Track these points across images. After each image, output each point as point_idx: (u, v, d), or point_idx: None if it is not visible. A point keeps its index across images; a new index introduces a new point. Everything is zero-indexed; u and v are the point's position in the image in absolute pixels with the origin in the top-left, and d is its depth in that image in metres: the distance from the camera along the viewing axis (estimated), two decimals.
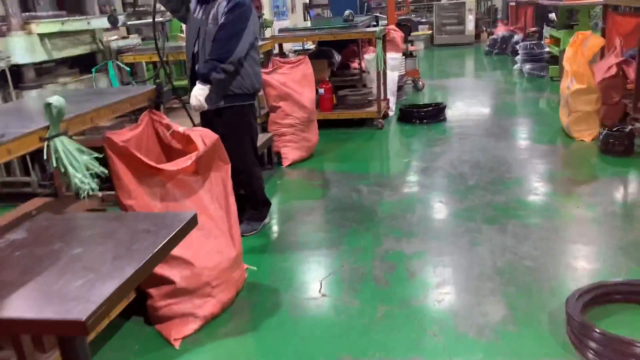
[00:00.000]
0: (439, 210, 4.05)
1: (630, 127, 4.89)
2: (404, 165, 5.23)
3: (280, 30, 6.95)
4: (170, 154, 3.05)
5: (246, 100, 3.65)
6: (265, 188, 3.94)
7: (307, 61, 5.43)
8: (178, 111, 4.88)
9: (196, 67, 3.49)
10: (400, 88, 7.66)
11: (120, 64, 4.88)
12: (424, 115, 6.59)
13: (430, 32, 14.48)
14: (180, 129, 2.96)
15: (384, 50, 6.54)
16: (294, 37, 6.47)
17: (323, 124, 6.34)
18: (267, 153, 5.23)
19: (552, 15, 10.89)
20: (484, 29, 15.68)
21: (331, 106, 6.59)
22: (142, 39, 5.57)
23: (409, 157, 5.44)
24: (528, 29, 11.66)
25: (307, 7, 13.38)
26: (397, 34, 7.78)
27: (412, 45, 8.96)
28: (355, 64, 7.61)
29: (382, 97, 6.54)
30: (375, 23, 8.52)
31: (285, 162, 5.32)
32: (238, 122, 3.65)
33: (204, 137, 2.86)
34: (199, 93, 3.35)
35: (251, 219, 3.82)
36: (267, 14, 11.26)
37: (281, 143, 5.36)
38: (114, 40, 5.56)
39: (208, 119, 3.63)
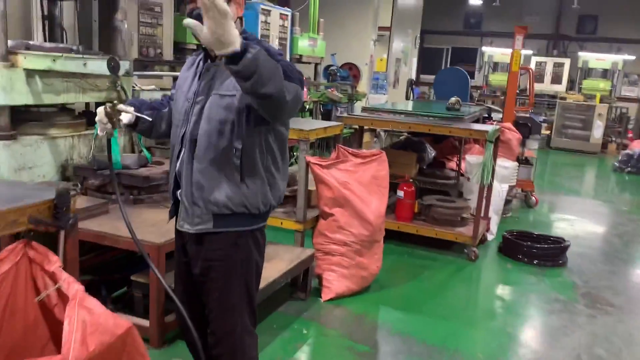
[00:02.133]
0: None
1: None
2: (500, 344, 3.42)
3: (364, 110, 5.53)
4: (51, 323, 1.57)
5: (250, 224, 2.14)
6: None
7: (384, 159, 3.90)
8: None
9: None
10: (507, 202, 5.90)
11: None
12: (536, 254, 4.75)
13: (548, 132, 12.55)
14: (74, 288, 1.48)
15: (495, 156, 4.86)
16: (374, 119, 4.97)
17: (395, 236, 4.75)
18: (303, 275, 3.67)
19: None
20: (613, 139, 13.46)
21: (411, 215, 4.96)
22: None
23: (509, 326, 3.64)
24: None
25: (411, 84, 12.02)
26: (513, 136, 6.09)
27: (527, 149, 7.20)
28: (452, 164, 5.97)
29: (481, 216, 4.82)
30: (486, 116, 6.91)
31: (326, 295, 3.72)
32: (231, 259, 2.13)
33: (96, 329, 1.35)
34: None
35: None
36: (363, 85, 9.99)
37: (325, 264, 3.78)
38: (149, 90, 4.37)
39: (184, 263, 2.19)
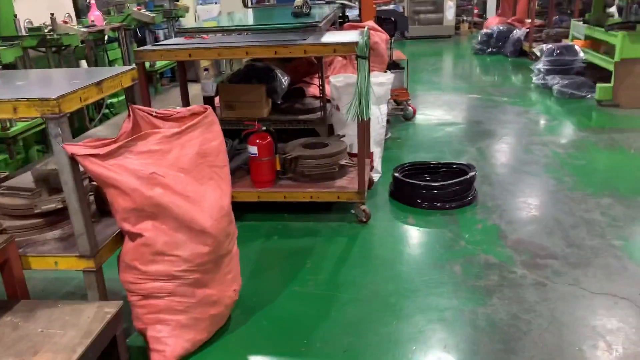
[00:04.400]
0: None
1: None
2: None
3: (178, 33, 3.80)
4: None
5: None
6: None
7: (212, 120, 2.36)
8: None
9: None
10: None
11: None
12: (440, 195, 3.63)
13: None
14: None
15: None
16: (193, 47, 3.28)
17: (257, 209, 3.38)
18: (111, 346, 2.14)
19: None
20: (464, 18, 12.86)
21: (272, 177, 3.54)
22: None
23: (429, 332, 2.48)
24: (530, 22, 8.90)
25: None
26: (380, 38, 4.76)
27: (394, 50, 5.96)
28: (313, 89, 4.55)
29: (365, 159, 3.53)
30: (341, 16, 5.48)
31: None
32: None
33: None
34: None
35: None
36: None
37: (149, 314, 2.28)
38: None
39: None
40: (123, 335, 2.17)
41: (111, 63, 5.91)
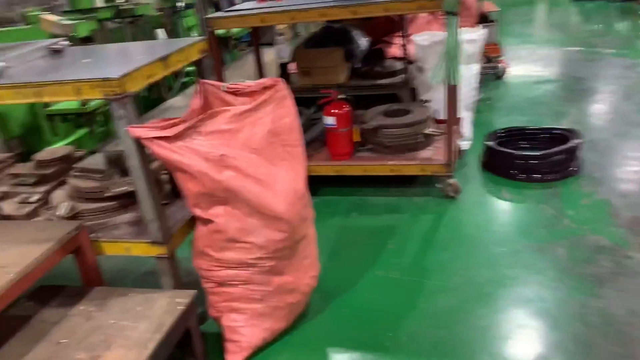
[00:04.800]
0: None
1: None
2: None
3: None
4: None
5: None
6: None
7: (283, 93, 2.15)
8: None
9: None
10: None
11: None
12: (536, 165, 3.24)
13: None
14: None
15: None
16: (264, 12, 3.03)
17: (334, 183, 3.19)
18: (186, 336, 2.05)
19: None
20: None
21: (351, 149, 3.31)
22: None
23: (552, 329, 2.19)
24: None
25: None
26: None
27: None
28: (394, 50, 4.22)
29: (452, 127, 3.19)
30: None
31: (235, 357, 2.15)
32: None
33: None
34: None
35: None
36: None
37: (223, 302, 2.17)
38: None
39: None
40: (197, 326, 2.07)
41: (187, 32, 5.83)
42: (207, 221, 2.06)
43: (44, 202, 2.41)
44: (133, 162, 1.95)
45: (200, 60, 2.41)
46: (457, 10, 2.79)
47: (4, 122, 3.66)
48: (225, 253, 2.07)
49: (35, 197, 2.41)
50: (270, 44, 5.80)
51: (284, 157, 2.13)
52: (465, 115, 3.81)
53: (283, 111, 2.13)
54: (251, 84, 2.28)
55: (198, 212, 2.05)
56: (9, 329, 1.93)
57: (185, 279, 2.32)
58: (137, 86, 1.94)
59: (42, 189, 2.47)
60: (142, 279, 2.78)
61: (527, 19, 7.99)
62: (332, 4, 2.90)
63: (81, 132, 4.09)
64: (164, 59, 2.09)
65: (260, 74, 3.97)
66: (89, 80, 1.85)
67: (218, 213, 2.03)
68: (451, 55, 2.84)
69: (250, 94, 2.27)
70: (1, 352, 1.83)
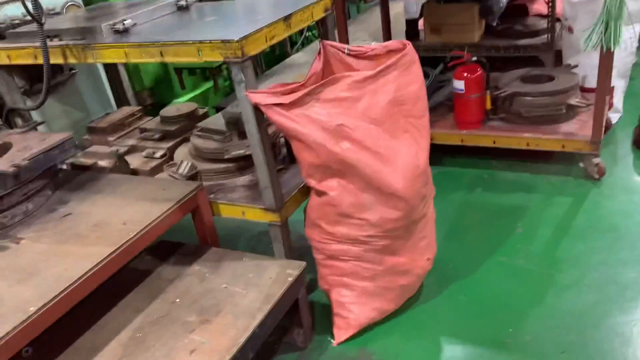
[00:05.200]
0: None
1: None
2: None
3: None
4: None
5: None
6: None
7: (411, 58, 1.95)
8: None
9: None
10: None
11: None
12: None
13: None
14: None
15: None
16: None
17: (459, 153, 2.96)
18: (294, 309, 2.02)
19: None
20: None
21: (481, 117, 3.03)
22: None
23: None
24: None
25: None
26: None
27: None
28: (538, 6, 3.76)
29: (603, 98, 2.78)
30: None
31: (341, 334, 2.09)
32: None
33: None
34: None
35: None
36: None
37: (334, 276, 2.10)
38: None
39: None
40: (305, 299, 2.03)
41: None
42: (320, 193, 1.97)
43: (168, 158, 2.48)
44: (250, 127, 1.90)
45: (324, 19, 2.27)
46: None
47: (136, 74, 3.83)
48: (337, 227, 1.98)
49: (159, 153, 2.47)
50: None
51: (407, 129, 1.95)
52: (618, 84, 3.31)
53: (409, 78, 1.94)
54: (376, 46, 2.11)
55: (312, 182, 1.97)
56: (132, 281, 2.02)
57: (297, 244, 2.29)
58: (257, 49, 1.85)
59: (166, 145, 2.54)
60: (257, 238, 2.80)
61: None
62: None
63: (207, 85, 4.19)
64: (287, 19, 1.98)
65: (387, 30, 3.75)
66: (209, 42, 1.80)
67: (332, 186, 1.92)
68: (613, 15, 2.43)
69: (374, 57, 2.11)
70: (123, 303, 1.92)
